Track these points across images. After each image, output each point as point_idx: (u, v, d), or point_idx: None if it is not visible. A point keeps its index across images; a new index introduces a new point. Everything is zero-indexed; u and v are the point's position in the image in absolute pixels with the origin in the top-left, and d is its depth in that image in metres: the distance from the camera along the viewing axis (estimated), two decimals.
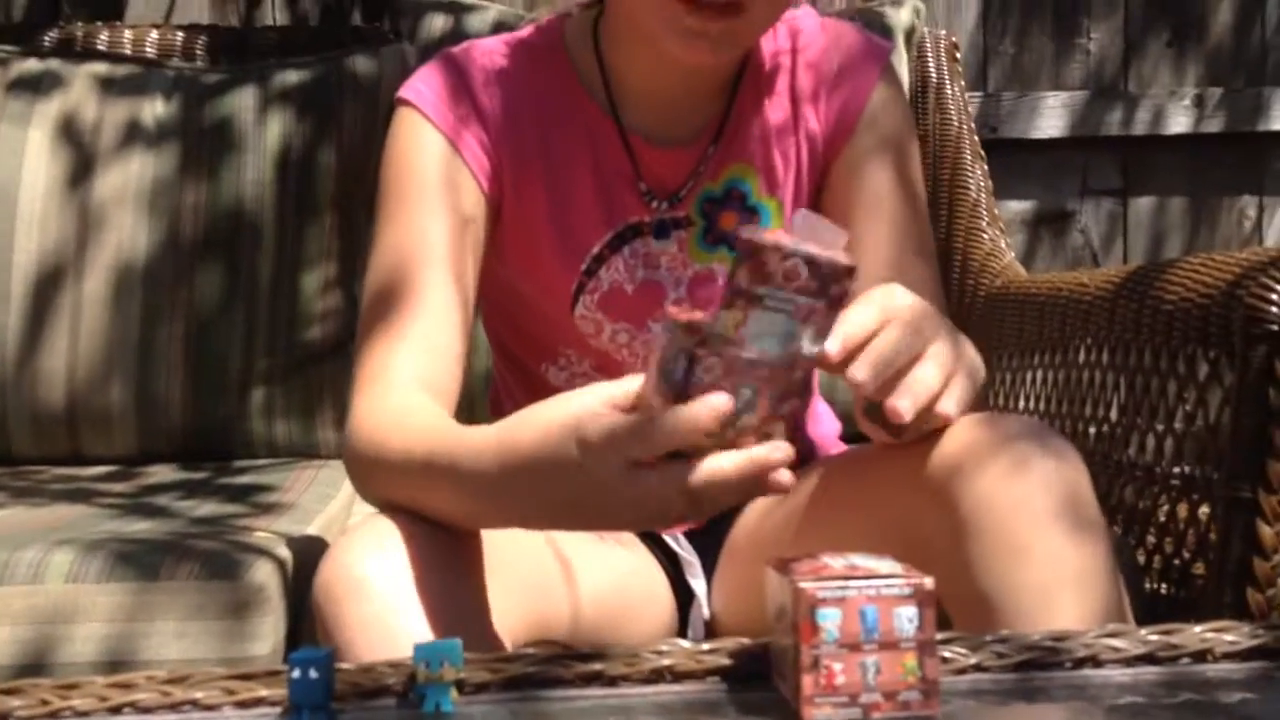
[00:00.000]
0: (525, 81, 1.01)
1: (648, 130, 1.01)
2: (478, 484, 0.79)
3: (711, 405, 0.67)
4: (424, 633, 0.79)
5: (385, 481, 0.88)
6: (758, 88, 1.03)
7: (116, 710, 0.64)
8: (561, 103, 1.01)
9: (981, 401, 0.94)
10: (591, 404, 0.73)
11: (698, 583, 1.05)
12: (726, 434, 0.69)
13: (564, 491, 0.74)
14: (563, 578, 0.95)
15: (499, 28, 1.66)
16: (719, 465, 0.69)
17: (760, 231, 0.68)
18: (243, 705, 0.65)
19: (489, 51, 1.02)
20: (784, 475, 0.70)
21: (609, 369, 1.04)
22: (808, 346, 0.68)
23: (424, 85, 1.00)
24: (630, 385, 0.72)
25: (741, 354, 0.67)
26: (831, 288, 0.67)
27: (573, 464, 0.72)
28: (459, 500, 0.82)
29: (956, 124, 1.76)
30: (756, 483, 0.70)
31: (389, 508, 0.86)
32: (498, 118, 0.99)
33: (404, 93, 1.01)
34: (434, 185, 0.97)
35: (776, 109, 1.03)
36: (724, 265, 1.03)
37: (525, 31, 1.06)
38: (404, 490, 0.86)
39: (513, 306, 1.06)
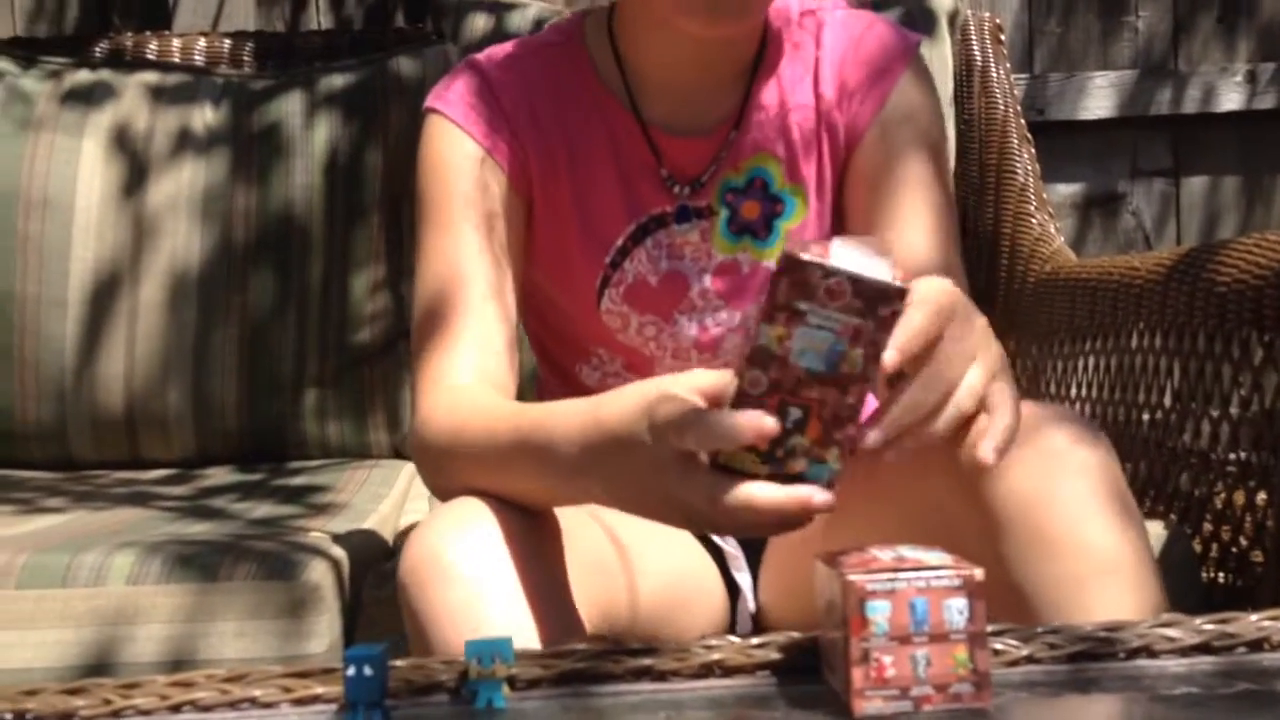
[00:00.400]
0: (545, 81, 1.02)
1: (667, 121, 1.01)
2: (564, 457, 0.79)
3: (754, 421, 0.66)
4: (509, 617, 0.79)
5: (462, 467, 0.89)
6: (777, 75, 1.02)
7: (177, 709, 0.66)
8: (581, 99, 1.02)
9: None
10: (675, 385, 0.73)
11: (742, 576, 1.05)
12: (776, 453, 0.68)
13: (629, 468, 0.74)
14: (622, 567, 0.96)
15: (539, 25, 1.66)
16: (753, 493, 0.68)
17: (805, 246, 0.66)
18: (300, 702, 0.66)
19: (509, 55, 1.03)
20: (819, 497, 0.68)
21: (639, 367, 1.04)
22: (859, 367, 0.66)
23: (450, 92, 1.02)
24: (725, 374, 0.71)
25: (788, 369, 0.66)
26: (880, 308, 0.65)
27: (639, 441, 0.73)
28: (541, 475, 0.82)
29: (1002, 107, 1.74)
30: (786, 521, 0.69)
31: (465, 493, 0.87)
32: (522, 118, 1.01)
33: (431, 101, 1.02)
34: (469, 189, 0.99)
35: (798, 97, 1.02)
36: (748, 254, 1.02)
37: (543, 32, 1.07)
38: (482, 472, 0.87)
39: (544, 307, 1.07)
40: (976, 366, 0.75)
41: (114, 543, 1.12)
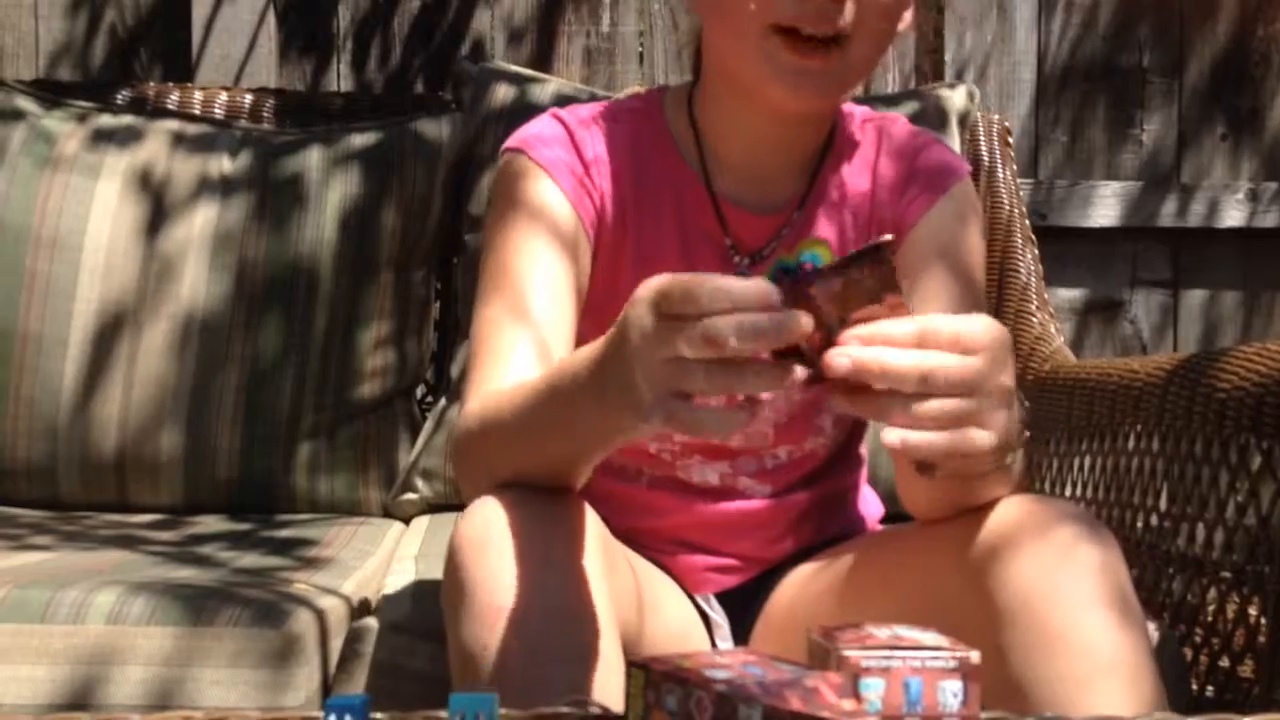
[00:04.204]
0: (624, 142, 1.05)
1: (737, 196, 1.05)
2: (586, 377, 0.81)
3: (758, 285, 0.70)
4: (551, 590, 0.82)
5: (496, 440, 0.91)
6: (839, 168, 1.06)
7: None
8: (656, 164, 1.05)
9: (1025, 481, 0.93)
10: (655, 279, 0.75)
11: (725, 646, 1.05)
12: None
13: (613, 356, 0.76)
14: (637, 604, 0.97)
15: (559, 99, 1.69)
16: (735, 320, 0.69)
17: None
18: None
19: (592, 113, 1.07)
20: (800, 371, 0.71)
21: (656, 433, 1.05)
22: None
23: (533, 136, 1.05)
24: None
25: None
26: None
27: (620, 329, 0.76)
28: (568, 414, 0.84)
29: (1008, 207, 1.77)
30: (773, 369, 0.71)
31: (501, 477, 0.89)
32: (598, 172, 1.04)
33: (514, 142, 1.05)
34: (539, 215, 1.01)
35: (855, 190, 1.06)
36: None
37: (625, 99, 1.12)
38: (515, 438, 0.88)
39: None
40: (1000, 406, 0.75)
41: (97, 581, 1.11)
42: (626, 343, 0.75)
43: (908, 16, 1.01)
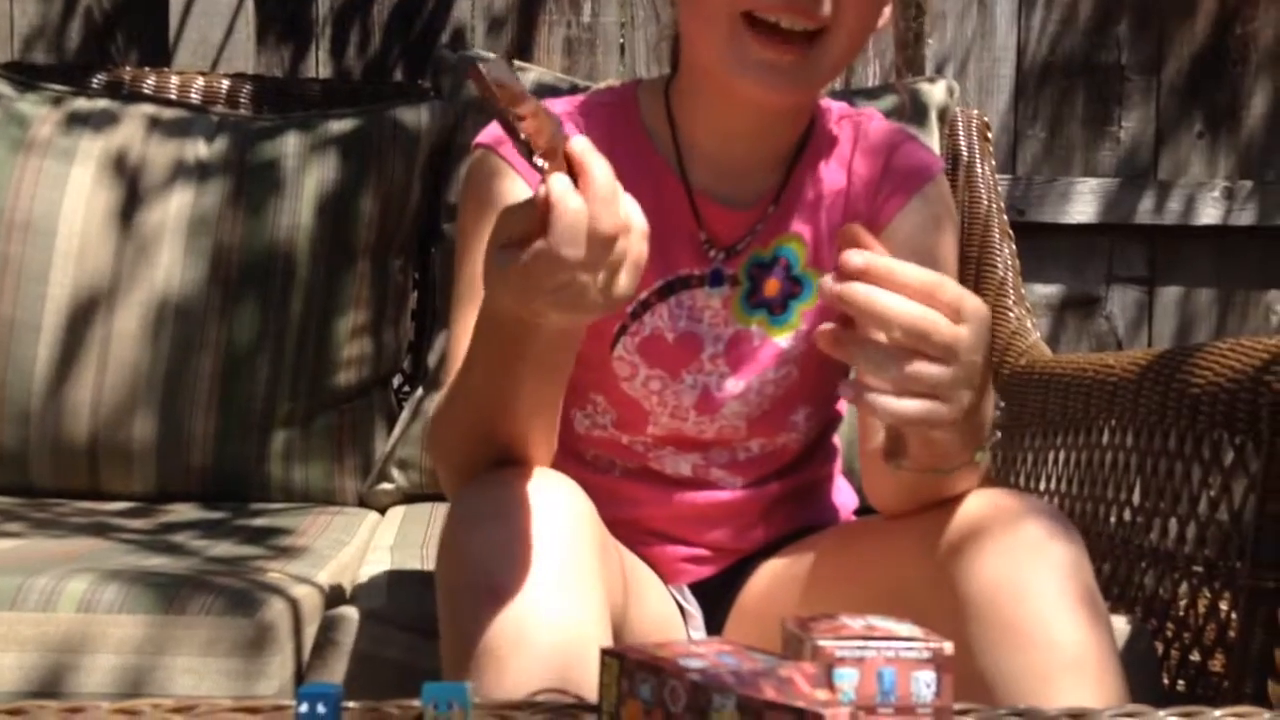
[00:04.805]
0: (598, 136, 1.04)
1: (712, 189, 1.04)
2: (502, 307, 0.81)
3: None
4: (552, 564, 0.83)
5: (451, 419, 0.92)
6: (815, 164, 1.06)
7: None
8: (631, 157, 1.04)
9: (988, 475, 0.94)
10: None
11: (699, 636, 1.05)
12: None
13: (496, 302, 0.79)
14: (624, 599, 0.97)
15: (539, 89, 1.68)
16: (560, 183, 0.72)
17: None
18: None
19: (565, 107, 1.06)
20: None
21: (629, 424, 1.05)
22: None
23: (502, 131, 1.03)
24: None
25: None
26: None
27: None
28: (499, 345, 0.85)
29: (985, 202, 1.77)
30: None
31: (468, 445, 0.90)
32: None
33: (483, 138, 1.04)
34: None
35: (831, 187, 1.06)
36: (761, 329, 1.05)
37: (598, 92, 1.11)
38: (467, 394, 0.89)
39: None
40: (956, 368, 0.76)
41: (68, 568, 1.10)
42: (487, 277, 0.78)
43: (887, 12, 1.00)
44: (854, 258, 0.76)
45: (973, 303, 0.77)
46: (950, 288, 0.76)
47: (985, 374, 0.80)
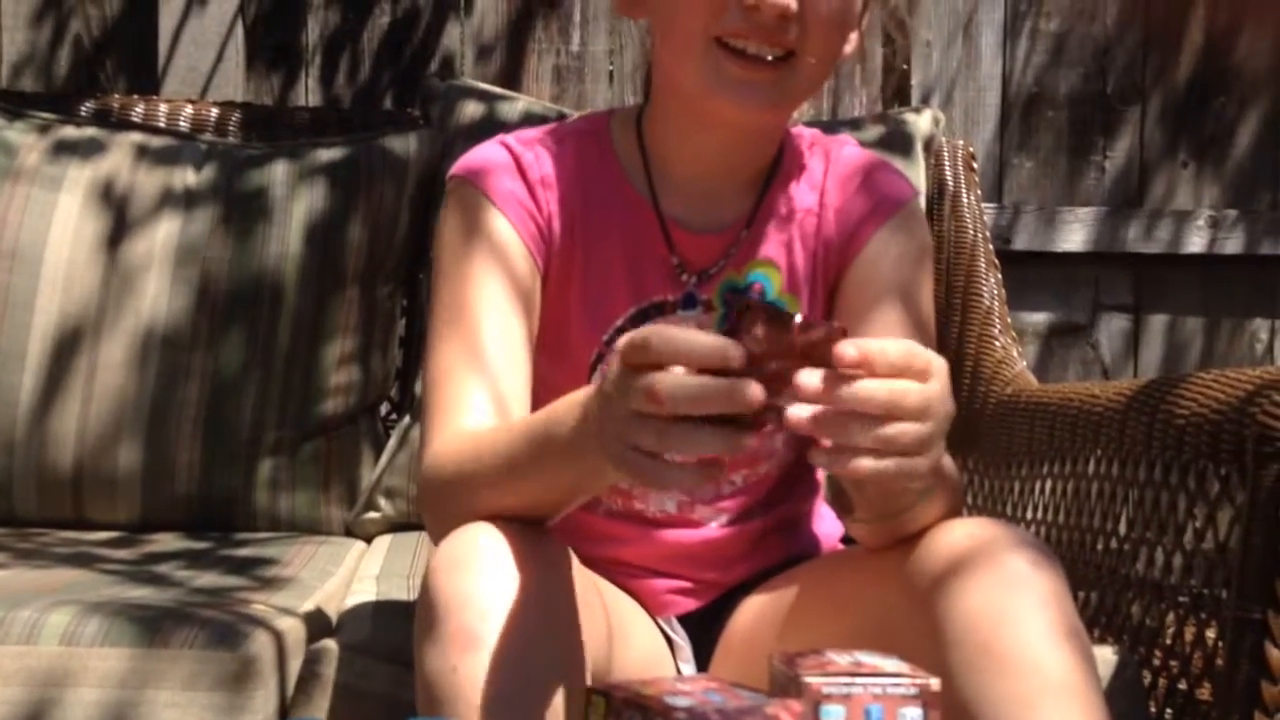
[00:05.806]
0: (570, 166, 1.05)
1: (684, 217, 1.05)
2: (566, 431, 0.82)
3: (716, 343, 0.69)
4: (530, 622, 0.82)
5: (473, 485, 0.91)
6: (787, 188, 1.06)
7: None
8: (603, 187, 1.05)
9: (962, 498, 0.94)
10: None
11: (687, 668, 1.05)
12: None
13: (593, 403, 0.79)
14: (608, 632, 0.97)
15: (528, 117, 1.69)
16: (677, 381, 0.69)
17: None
18: None
19: (538, 138, 1.07)
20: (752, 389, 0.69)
21: None
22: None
23: (478, 163, 1.04)
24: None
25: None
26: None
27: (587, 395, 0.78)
28: (548, 462, 0.85)
29: (971, 232, 1.78)
30: (722, 394, 0.69)
31: (475, 518, 0.89)
32: (546, 198, 1.03)
33: (458, 170, 1.05)
34: (490, 251, 1.01)
35: (804, 212, 1.06)
36: None
37: (572, 121, 1.11)
38: (492, 482, 0.89)
39: (535, 380, 1.08)
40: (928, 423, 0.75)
41: (50, 600, 1.09)
42: (600, 391, 0.76)
43: (854, 38, 1.01)
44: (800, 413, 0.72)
45: (937, 358, 0.77)
46: (919, 352, 0.75)
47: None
